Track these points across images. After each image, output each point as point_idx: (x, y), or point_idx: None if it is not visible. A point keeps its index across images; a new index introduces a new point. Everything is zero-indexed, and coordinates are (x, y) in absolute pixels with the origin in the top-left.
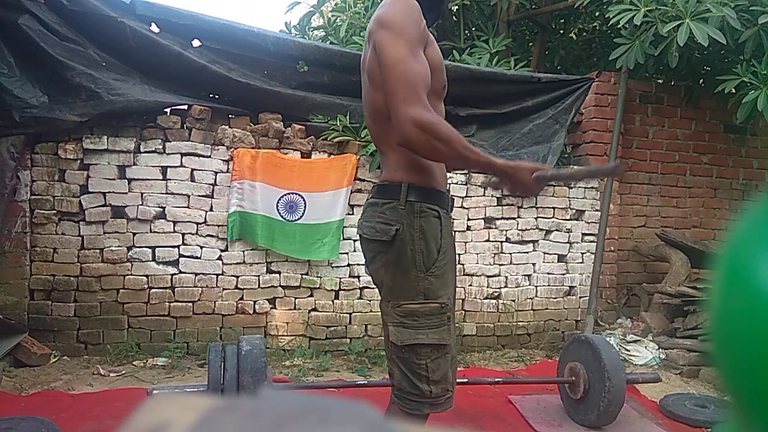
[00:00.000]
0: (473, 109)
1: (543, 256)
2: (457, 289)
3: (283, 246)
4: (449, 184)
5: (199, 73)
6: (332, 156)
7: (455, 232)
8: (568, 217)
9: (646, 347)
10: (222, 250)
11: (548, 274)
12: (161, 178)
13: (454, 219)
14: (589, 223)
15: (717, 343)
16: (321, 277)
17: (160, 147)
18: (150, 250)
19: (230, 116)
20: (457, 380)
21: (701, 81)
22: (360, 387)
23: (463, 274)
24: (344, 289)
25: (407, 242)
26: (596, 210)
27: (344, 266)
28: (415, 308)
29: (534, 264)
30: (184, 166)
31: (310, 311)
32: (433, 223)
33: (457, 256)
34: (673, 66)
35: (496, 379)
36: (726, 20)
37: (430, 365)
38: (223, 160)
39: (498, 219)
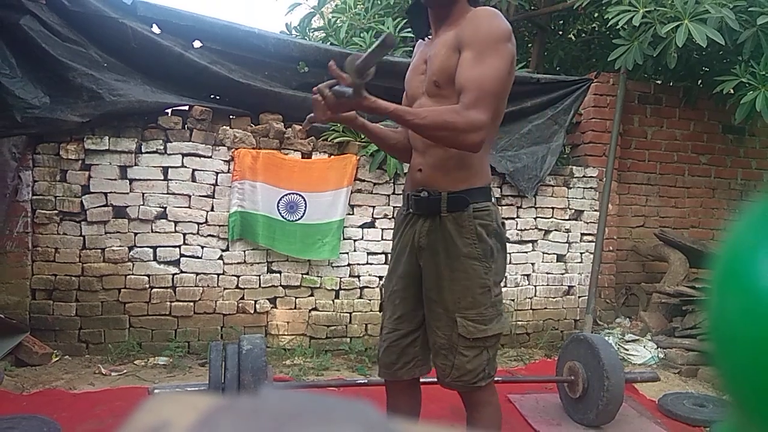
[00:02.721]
0: None
1: (542, 255)
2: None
3: (283, 246)
4: None
5: (200, 74)
6: (332, 156)
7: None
8: (567, 217)
9: (644, 347)
10: (223, 250)
11: (547, 273)
12: (162, 178)
13: None
14: (588, 223)
15: (715, 342)
16: (321, 277)
17: (162, 147)
18: (151, 250)
19: (231, 117)
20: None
21: (700, 82)
22: (360, 386)
23: None
24: (344, 289)
25: None
26: (595, 210)
27: (344, 266)
28: None
29: (533, 264)
30: (185, 167)
31: (310, 311)
32: (396, 221)
33: (443, 252)
34: (672, 67)
35: (496, 379)
36: (724, 21)
37: None
38: (224, 161)
39: None
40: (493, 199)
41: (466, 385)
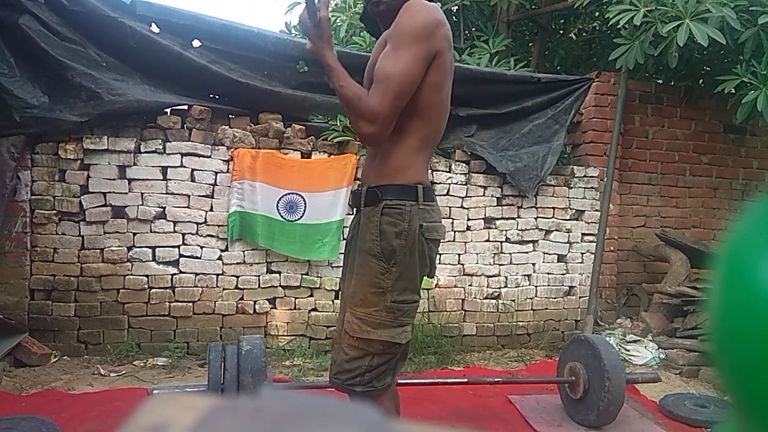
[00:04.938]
0: (473, 109)
1: (543, 256)
2: (354, 274)
3: (283, 246)
4: (449, 184)
5: (199, 74)
6: (332, 156)
7: (455, 232)
8: (567, 217)
9: (645, 347)
10: (222, 250)
11: (548, 274)
12: (161, 178)
13: (454, 219)
14: (588, 223)
15: (717, 343)
16: (321, 277)
17: (161, 147)
18: (150, 250)
19: (230, 116)
20: (458, 380)
21: (701, 81)
22: None
23: (463, 274)
24: None
25: None
26: (596, 210)
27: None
28: None
29: (534, 264)
30: (185, 166)
31: (310, 311)
32: None
33: (355, 247)
34: (673, 66)
35: (496, 379)
36: (726, 20)
37: None
38: (224, 160)
39: (498, 219)
40: (420, 199)
41: (342, 384)
